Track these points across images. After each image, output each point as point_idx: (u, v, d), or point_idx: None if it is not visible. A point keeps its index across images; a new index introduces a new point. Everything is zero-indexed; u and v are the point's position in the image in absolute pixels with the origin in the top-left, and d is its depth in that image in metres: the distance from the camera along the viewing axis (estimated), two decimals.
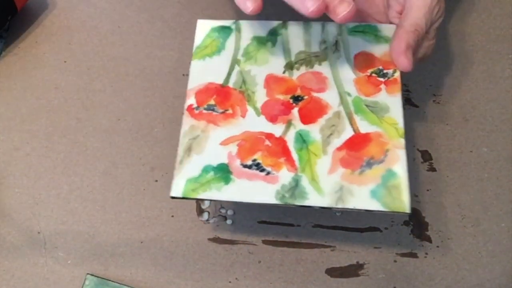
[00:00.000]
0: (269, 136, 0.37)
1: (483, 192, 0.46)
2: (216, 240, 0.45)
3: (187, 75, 0.51)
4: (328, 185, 0.34)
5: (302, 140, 0.36)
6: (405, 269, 0.43)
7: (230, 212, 0.46)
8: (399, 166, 0.34)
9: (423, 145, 0.48)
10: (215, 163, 0.36)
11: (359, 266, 0.44)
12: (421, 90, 0.50)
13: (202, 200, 0.35)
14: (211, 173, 0.35)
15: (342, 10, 0.34)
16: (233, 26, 0.41)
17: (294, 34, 0.41)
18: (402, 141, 0.35)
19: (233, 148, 0.36)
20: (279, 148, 0.36)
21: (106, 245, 0.45)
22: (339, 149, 0.36)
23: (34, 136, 0.49)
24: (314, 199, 0.34)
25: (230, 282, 0.43)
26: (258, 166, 0.35)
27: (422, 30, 0.38)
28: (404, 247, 0.44)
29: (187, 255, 0.44)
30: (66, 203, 0.46)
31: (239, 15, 0.50)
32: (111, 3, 0.56)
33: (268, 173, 0.35)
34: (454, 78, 0.51)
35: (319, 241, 0.45)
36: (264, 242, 0.45)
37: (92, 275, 0.43)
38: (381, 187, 0.34)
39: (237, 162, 0.36)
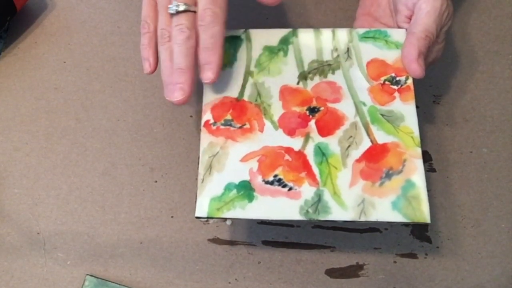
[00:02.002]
0: (289, 150, 0.37)
1: (483, 193, 0.46)
2: (216, 240, 0.45)
3: None
4: (350, 199, 0.35)
5: (322, 153, 0.36)
6: (405, 270, 0.43)
7: None
8: (417, 176, 0.35)
9: (423, 145, 0.48)
10: (237, 180, 0.36)
11: (359, 266, 0.44)
12: (421, 90, 0.50)
13: (225, 219, 0.35)
14: (234, 191, 0.35)
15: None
16: (243, 36, 0.41)
17: (305, 42, 0.41)
18: (418, 150, 0.36)
19: (254, 164, 0.36)
20: (299, 162, 0.36)
21: (105, 246, 0.45)
22: (358, 161, 0.36)
23: (33, 136, 0.49)
24: (337, 213, 0.34)
25: (229, 283, 0.43)
26: (280, 182, 0.35)
27: (433, 36, 0.38)
28: (404, 247, 0.44)
29: (187, 255, 0.44)
30: (66, 203, 0.46)
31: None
32: (111, 4, 0.56)
33: (290, 188, 0.35)
34: (454, 78, 0.51)
35: (318, 241, 0.45)
36: (264, 242, 0.45)
37: (91, 275, 0.43)
38: (401, 199, 0.34)
39: (259, 178, 0.36)
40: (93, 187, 0.47)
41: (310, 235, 0.45)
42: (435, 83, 0.51)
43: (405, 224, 0.45)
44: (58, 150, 0.48)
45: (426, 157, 0.47)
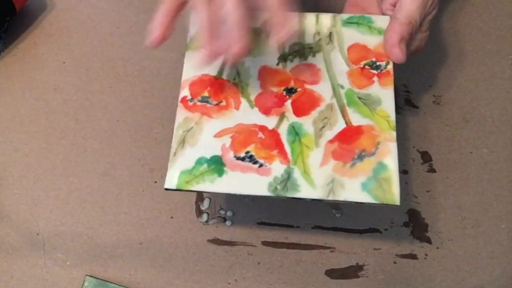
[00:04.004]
0: (263, 128, 0.37)
1: (483, 193, 0.46)
2: (216, 241, 0.45)
3: None
4: (320, 178, 0.35)
5: (295, 132, 0.36)
6: (404, 271, 0.43)
7: (229, 213, 0.46)
8: (390, 159, 0.35)
9: (423, 146, 0.48)
10: (208, 155, 0.36)
11: (359, 267, 0.44)
12: (421, 91, 0.50)
13: (196, 192, 0.35)
14: (205, 165, 0.35)
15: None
16: None
17: None
18: (393, 134, 0.36)
19: (227, 140, 0.36)
20: (272, 140, 0.36)
21: (105, 246, 0.44)
22: (331, 141, 0.36)
23: (33, 137, 0.49)
24: (305, 191, 0.34)
25: (229, 283, 0.43)
26: (251, 159, 0.36)
27: (416, 22, 0.38)
28: (404, 248, 0.44)
29: (186, 256, 0.44)
30: (65, 204, 0.46)
31: None
32: (110, 4, 0.56)
33: (261, 165, 0.35)
34: (454, 78, 0.51)
35: (318, 242, 0.44)
36: (264, 243, 0.45)
37: (91, 276, 0.43)
38: (372, 180, 0.34)
39: (231, 154, 0.36)
40: (93, 187, 0.47)
41: (310, 235, 0.45)
42: (435, 83, 0.51)
43: (405, 225, 0.45)
44: (57, 150, 0.48)
45: (426, 158, 0.47)
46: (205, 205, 0.46)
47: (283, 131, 0.37)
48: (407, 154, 0.47)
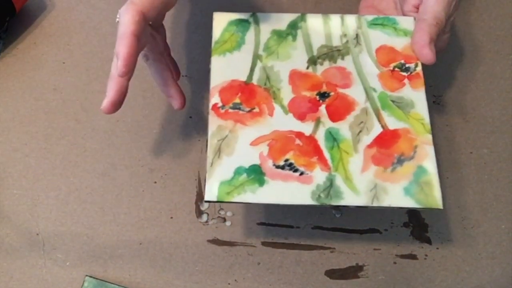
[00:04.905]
0: (299, 135, 0.36)
1: (483, 194, 0.46)
2: (215, 241, 0.45)
3: (187, 76, 0.51)
4: (362, 184, 0.34)
5: (333, 138, 0.36)
6: (404, 271, 0.43)
7: (229, 214, 0.46)
8: (429, 162, 0.35)
9: None
10: (247, 164, 0.35)
11: (359, 267, 0.44)
12: None
13: (237, 203, 0.35)
14: (244, 175, 0.35)
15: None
16: (250, 19, 0.41)
17: (314, 27, 0.40)
18: (429, 137, 0.36)
19: (264, 148, 0.36)
20: (311, 147, 0.36)
21: (105, 247, 0.44)
22: (369, 146, 0.36)
23: (32, 137, 0.49)
24: (349, 198, 0.34)
25: (229, 284, 0.43)
26: (291, 167, 0.35)
27: (442, 23, 0.38)
28: (404, 248, 0.44)
29: (186, 256, 0.44)
30: (65, 204, 0.46)
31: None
32: (110, 4, 0.56)
33: (302, 173, 0.35)
34: (454, 78, 0.51)
35: (318, 242, 0.44)
36: (264, 243, 0.44)
37: (91, 276, 0.43)
38: (413, 184, 0.34)
39: (270, 163, 0.35)
40: (93, 188, 0.47)
41: (309, 236, 0.45)
42: (435, 83, 0.51)
43: (405, 225, 0.45)
44: (57, 150, 0.48)
45: None
46: (205, 205, 0.46)
47: (320, 137, 0.36)
48: None
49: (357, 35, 0.40)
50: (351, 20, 0.41)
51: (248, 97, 0.38)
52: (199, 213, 0.46)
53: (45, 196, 0.46)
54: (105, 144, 0.48)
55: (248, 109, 0.37)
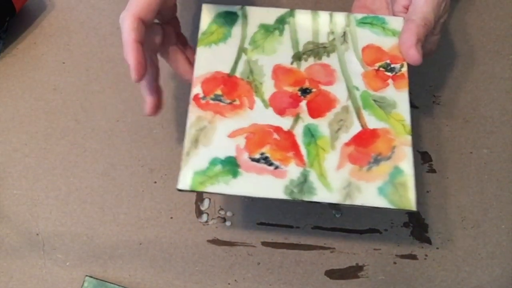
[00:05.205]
0: (278, 129, 0.36)
1: (483, 194, 0.46)
2: (215, 241, 0.45)
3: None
4: (336, 181, 0.34)
5: (311, 134, 0.36)
6: (404, 271, 0.43)
7: (229, 214, 0.46)
8: (406, 163, 0.35)
9: (423, 146, 0.48)
10: (222, 156, 0.35)
11: (359, 267, 0.44)
12: (421, 91, 0.50)
13: (209, 193, 0.35)
14: (219, 166, 0.35)
15: None
16: (239, 12, 0.41)
17: (302, 23, 0.40)
18: (409, 138, 0.36)
19: (241, 140, 0.36)
20: (288, 142, 0.36)
21: (105, 247, 0.44)
22: (347, 144, 0.36)
23: (32, 137, 0.49)
24: (322, 195, 0.34)
25: (229, 284, 0.43)
26: (266, 160, 0.35)
27: (431, 24, 0.38)
28: (404, 248, 0.44)
29: (186, 256, 0.44)
30: (65, 204, 0.46)
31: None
32: (110, 4, 0.56)
33: (277, 167, 0.35)
34: (454, 79, 0.51)
35: (318, 242, 0.44)
36: (263, 243, 0.44)
37: (90, 276, 0.43)
38: (388, 185, 0.34)
39: (245, 155, 0.35)
40: (92, 188, 0.47)
41: (309, 236, 0.45)
42: (435, 83, 0.51)
43: (405, 225, 0.45)
44: (57, 151, 0.48)
45: (426, 158, 0.47)
46: (205, 205, 0.46)
47: (298, 132, 0.36)
48: None
49: (344, 33, 0.40)
50: (340, 17, 0.40)
51: (230, 89, 0.38)
52: (199, 213, 0.46)
53: (45, 196, 0.46)
54: (105, 144, 0.48)
55: (228, 101, 0.37)
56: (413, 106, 0.49)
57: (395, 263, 0.44)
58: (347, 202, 0.34)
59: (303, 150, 0.36)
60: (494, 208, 0.45)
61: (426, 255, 0.44)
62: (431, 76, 0.51)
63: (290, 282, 0.43)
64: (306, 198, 0.34)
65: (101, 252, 0.44)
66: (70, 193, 0.46)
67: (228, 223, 0.45)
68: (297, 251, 0.44)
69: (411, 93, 0.50)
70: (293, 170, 0.35)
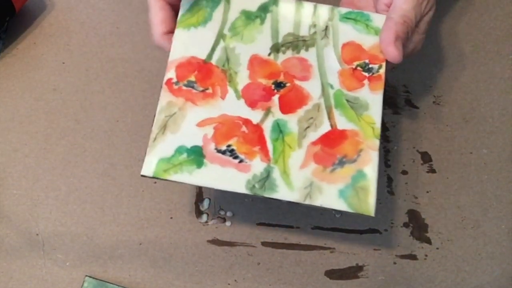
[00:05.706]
0: (247, 122, 0.36)
1: (483, 194, 0.46)
2: (215, 242, 0.45)
3: None
4: (298, 180, 0.34)
5: (279, 130, 0.36)
6: (404, 271, 0.43)
7: (229, 214, 0.46)
8: (370, 167, 0.34)
9: (423, 146, 0.48)
10: (189, 144, 0.35)
11: (359, 268, 0.44)
12: (421, 91, 0.50)
13: (172, 181, 0.35)
14: (184, 155, 0.35)
15: None
16: None
17: (284, 13, 0.39)
18: (376, 142, 0.35)
19: (209, 130, 0.35)
20: (255, 135, 0.35)
21: (104, 247, 0.44)
22: (314, 143, 0.35)
23: (32, 137, 0.49)
24: (283, 193, 0.34)
25: (229, 284, 0.43)
26: (232, 153, 0.35)
27: (411, 22, 0.38)
28: (404, 249, 0.44)
29: (186, 257, 0.44)
30: (65, 204, 0.46)
31: None
32: (110, 4, 0.55)
33: (241, 160, 0.35)
34: (454, 79, 0.51)
35: (318, 243, 0.44)
36: (263, 244, 0.44)
37: (90, 277, 0.43)
38: (349, 188, 0.34)
39: (212, 146, 0.35)
40: (92, 188, 0.47)
41: (309, 236, 0.45)
42: (435, 84, 0.50)
43: (405, 225, 0.45)
44: (57, 151, 0.48)
45: (426, 158, 0.47)
46: (205, 205, 0.46)
47: (267, 127, 0.36)
48: (407, 154, 0.47)
49: (326, 27, 0.39)
50: (323, 10, 0.39)
51: (203, 76, 0.37)
52: (199, 213, 0.46)
53: (45, 196, 0.46)
54: (105, 144, 0.48)
55: (201, 88, 0.37)
56: (413, 106, 0.49)
57: (395, 263, 0.44)
58: (307, 202, 0.33)
59: (269, 145, 0.35)
60: (494, 208, 0.45)
61: (426, 255, 0.44)
62: (431, 77, 0.51)
63: (290, 282, 0.43)
64: (267, 194, 0.34)
65: (101, 252, 0.44)
66: (70, 193, 0.46)
67: (228, 223, 0.45)
68: (297, 251, 0.44)
69: (411, 93, 0.50)
70: (257, 165, 0.34)
